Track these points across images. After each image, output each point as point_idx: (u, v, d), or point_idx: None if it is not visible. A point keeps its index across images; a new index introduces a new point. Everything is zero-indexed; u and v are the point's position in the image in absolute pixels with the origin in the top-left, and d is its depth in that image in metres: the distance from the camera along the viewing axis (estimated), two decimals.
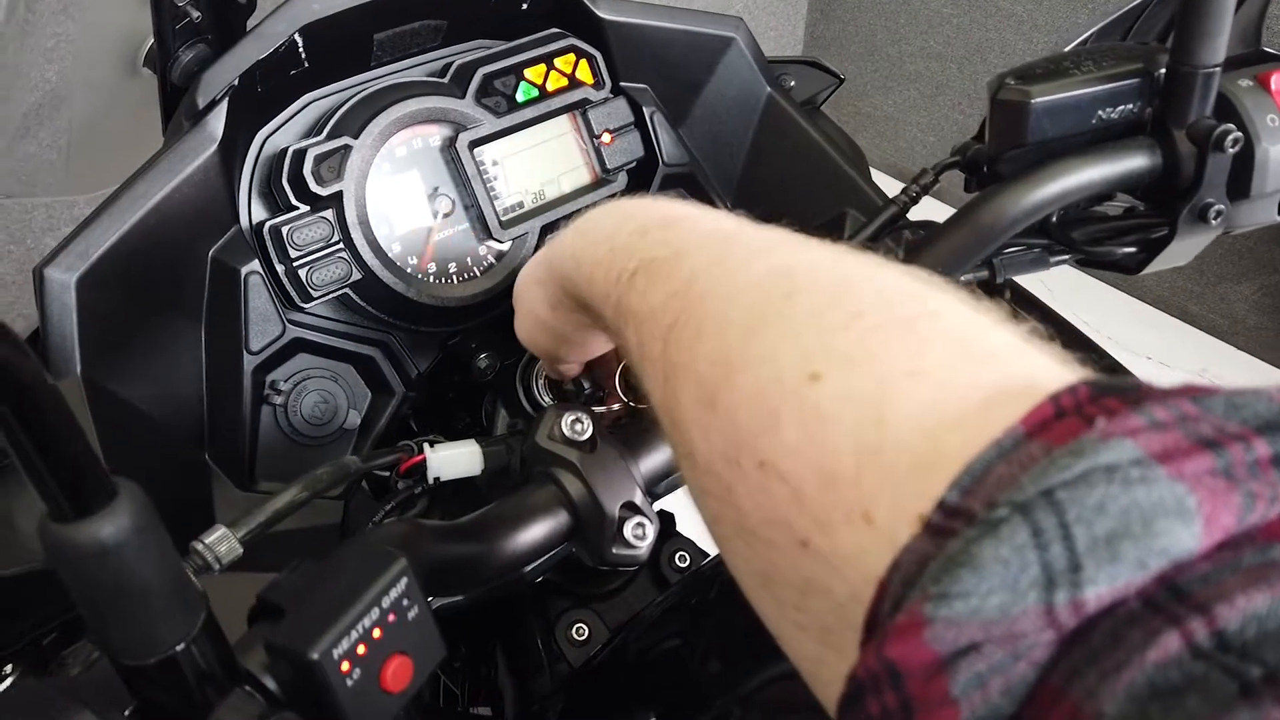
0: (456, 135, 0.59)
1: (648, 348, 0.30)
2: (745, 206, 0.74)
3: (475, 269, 0.61)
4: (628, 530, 0.47)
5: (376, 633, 0.30)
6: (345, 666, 0.28)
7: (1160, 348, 2.41)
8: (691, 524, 0.73)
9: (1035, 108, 0.51)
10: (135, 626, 0.24)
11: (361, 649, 0.29)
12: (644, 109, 0.67)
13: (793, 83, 0.74)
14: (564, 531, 0.47)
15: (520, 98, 0.61)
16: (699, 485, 0.27)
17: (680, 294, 0.29)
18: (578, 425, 0.48)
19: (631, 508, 0.47)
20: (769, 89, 0.71)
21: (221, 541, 0.36)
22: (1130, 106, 0.52)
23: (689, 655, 0.54)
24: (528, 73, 0.61)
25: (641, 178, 0.68)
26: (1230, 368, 2.35)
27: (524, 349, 0.64)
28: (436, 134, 0.59)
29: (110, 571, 0.23)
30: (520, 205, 0.62)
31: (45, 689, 0.25)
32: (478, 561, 0.44)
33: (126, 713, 0.26)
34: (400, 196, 0.59)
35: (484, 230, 0.61)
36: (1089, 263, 0.59)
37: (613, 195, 0.66)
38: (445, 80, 0.60)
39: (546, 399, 0.63)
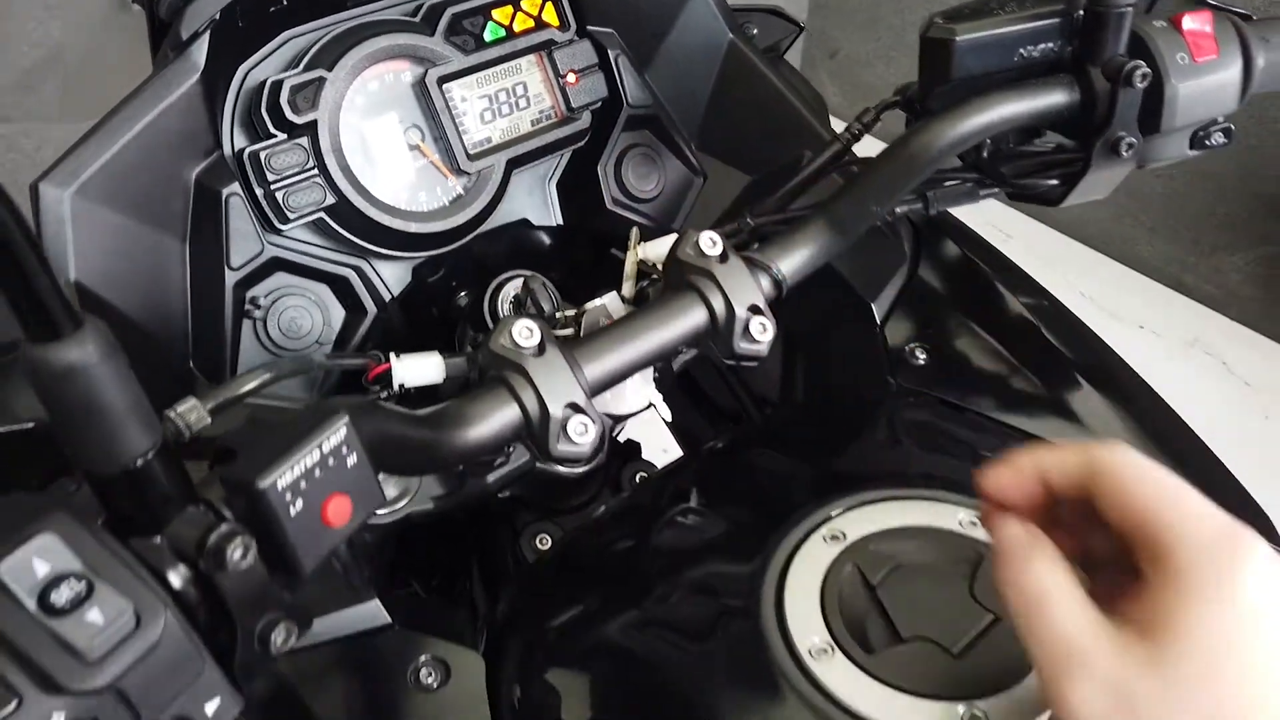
0: (426, 71, 0.63)
1: None
2: (709, 149, 0.78)
3: (444, 199, 0.66)
4: (571, 428, 0.51)
5: (318, 472, 0.34)
6: (288, 498, 0.33)
7: (1153, 317, 2.44)
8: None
9: (960, 45, 0.55)
10: (101, 439, 0.28)
11: (303, 485, 0.33)
12: (609, 52, 0.71)
13: (755, 30, 0.78)
14: (513, 427, 0.51)
15: (488, 37, 0.65)
16: None
17: None
18: (526, 332, 0.52)
19: (575, 408, 0.52)
20: (731, 35, 0.74)
21: (191, 411, 0.40)
22: (1051, 45, 0.56)
23: (635, 554, 0.59)
24: (495, 13, 0.65)
25: (606, 118, 0.72)
26: (1222, 338, 2.37)
27: (493, 277, 0.69)
28: (408, 70, 0.64)
29: (78, 388, 0.27)
30: (488, 140, 0.66)
31: (27, 498, 0.29)
32: (431, 446, 0.48)
33: (100, 521, 0.30)
34: (373, 128, 0.63)
35: (452, 163, 0.65)
36: (1017, 196, 0.63)
37: (577, 132, 0.70)
38: (416, 19, 0.64)
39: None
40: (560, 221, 0.74)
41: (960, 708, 0.42)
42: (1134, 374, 0.70)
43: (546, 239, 0.74)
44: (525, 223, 0.72)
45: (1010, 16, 0.55)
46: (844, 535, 0.50)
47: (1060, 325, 0.71)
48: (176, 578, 0.31)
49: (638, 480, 0.75)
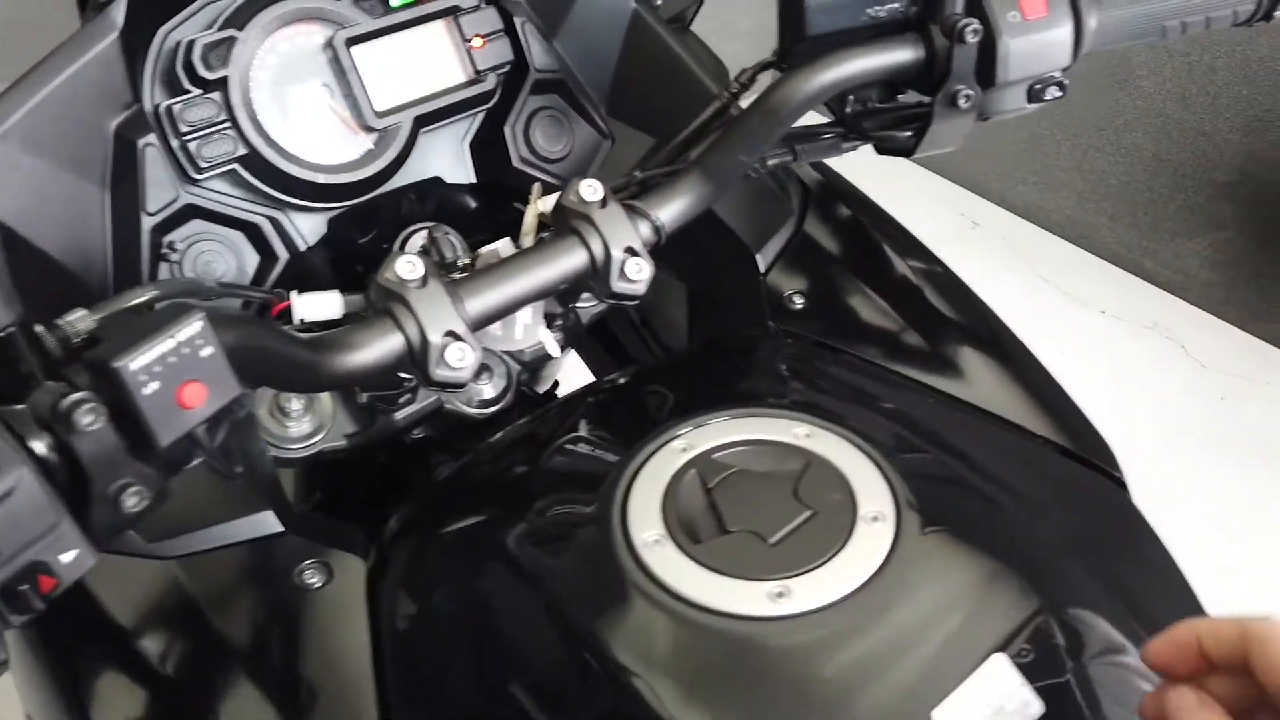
0: (335, 33, 0.68)
1: None
2: (617, 115, 0.83)
3: (354, 153, 0.71)
4: (450, 354, 0.56)
5: (171, 359, 0.39)
6: (142, 378, 0.38)
7: (1114, 301, 2.49)
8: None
9: (811, 5, 0.60)
10: None
11: (158, 368, 0.39)
12: (515, 19, 0.76)
13: (659, 1, 0.83)
14: (396, 354, 0.56)
15: (395, 2, 0.71)
16: None
17: None
18: (410, 266, 0.57)
19: (454, 336, 0.57)
20: (634, 5, 0.79)
21: (81, 320, 0.45)
22: (897, 5, 0.61)
23: (521, 475, 0.64)
24: None
25: (514, 81, 0.77)
26: (1181, 321, 2.42)
27: (400, 229, 0.74)
28: (319, 32, 0.69)
29: None
30: (396, 99, 0.71)
31: None
32: (313, 366, 0.53)
33: None
34: (285, 85, 0.68)
35: (360, 119, 0.70)
36: (880, 149, 0.67)
37: (482, 94, 0.75)
38: None
39: None
40: (473, 179, 0.79)
41: (768, 585, 0.47)
42: (1011, 335, 0.74)
43: (461, 195, 0.79)
44: (439, 180, 0.77)
45: None
46: (692, 447, 0.55)
47: (942, 285, 0.76)
48: (37, 441, 0.36)
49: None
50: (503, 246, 0.68)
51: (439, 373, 0.56)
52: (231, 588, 0.54)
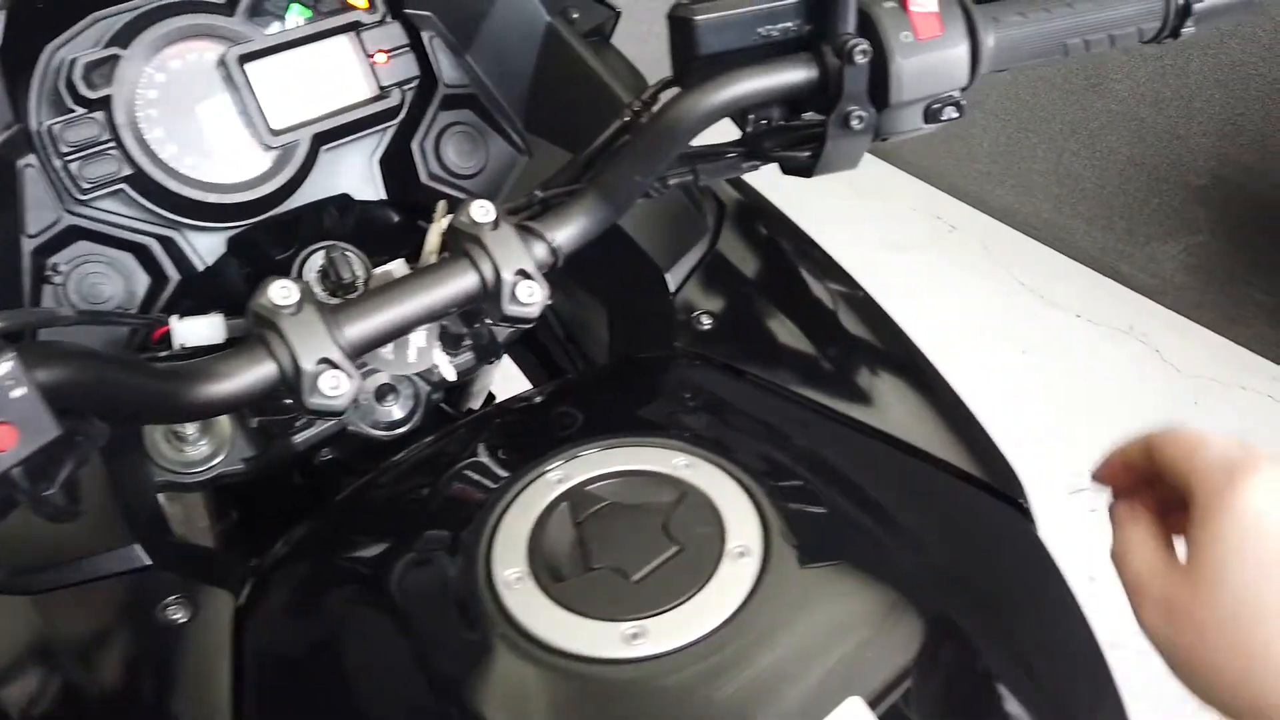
0: (227, 50, 0.67)
1: None
2: (534, 131, 0.82)
3: (250, 173, 0.69)
4: (323, 382, 0.55)
5: None
6: None
7: (1090, 305, 2.48)
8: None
9: (700, 24, 0.59)
10: None
11: None
12: (423, 33, 0.75)
13: (576, 15, 0.81)
14: (268, 382, 0.55)
15: (292, 18, 0.69)
16: None
17: None
18: (283, 291, 0.56)
19: (329, 363, 0.56)
20: (548, 19, 0.78)
21: None
22: (790, 24, 0.60)
23: (408, 501, 0.62)
24: None
25: (423, 96, 0.76)
26: (1157, 325, 2.41)
27: (293, 249, 0.73)
28: (211, 49, 0.67)
29: None
30: (295, 116, 0.70)
31: None
32: (173, 398, 0.52)
33: None
34: (176, 104, 0.66)
35: (257, 138, 0.69)
36: (784, 169, 0.66)
37: (387, 110, 0.74)
38: (221, 1, 0.68)
39: (318, 290, 0.71)
40: (383, 196, 0.77)
41: (624, 626, 0.46)
42: (924, 360, 0.73)
43: (371, 212, 0.78)
44: (347, 197, 0.76)
45: None
46: (568, 478, 0.54)
47: (857, 309, 0.75)
48: None
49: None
50: (396, 267, 0.67)
51: (313, 401, 0.55)
52: (91, 625, 0.53)
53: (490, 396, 1.04)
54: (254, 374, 0.54)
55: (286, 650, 0.52)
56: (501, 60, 0.79)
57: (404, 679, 0.48)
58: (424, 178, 0.76)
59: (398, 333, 0.60)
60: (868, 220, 2.75)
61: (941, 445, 0.65)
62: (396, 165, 0.77)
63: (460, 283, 0.60)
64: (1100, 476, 0.50)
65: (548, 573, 0.49)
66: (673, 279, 0.73)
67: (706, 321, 0.71)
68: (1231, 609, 0.39)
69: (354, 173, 0.76)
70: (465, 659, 0.47)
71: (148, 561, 0.54)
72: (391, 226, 0.79)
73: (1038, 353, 2.38)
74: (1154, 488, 0.46)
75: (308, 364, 0.54)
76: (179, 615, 0.53)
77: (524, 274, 0.60)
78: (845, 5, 0.57)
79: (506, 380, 0.97)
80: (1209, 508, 0.40)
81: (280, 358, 0.54)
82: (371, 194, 0.77)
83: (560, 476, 0.54)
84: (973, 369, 2.34)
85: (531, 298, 0.60)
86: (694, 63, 0.60)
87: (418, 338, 0.66)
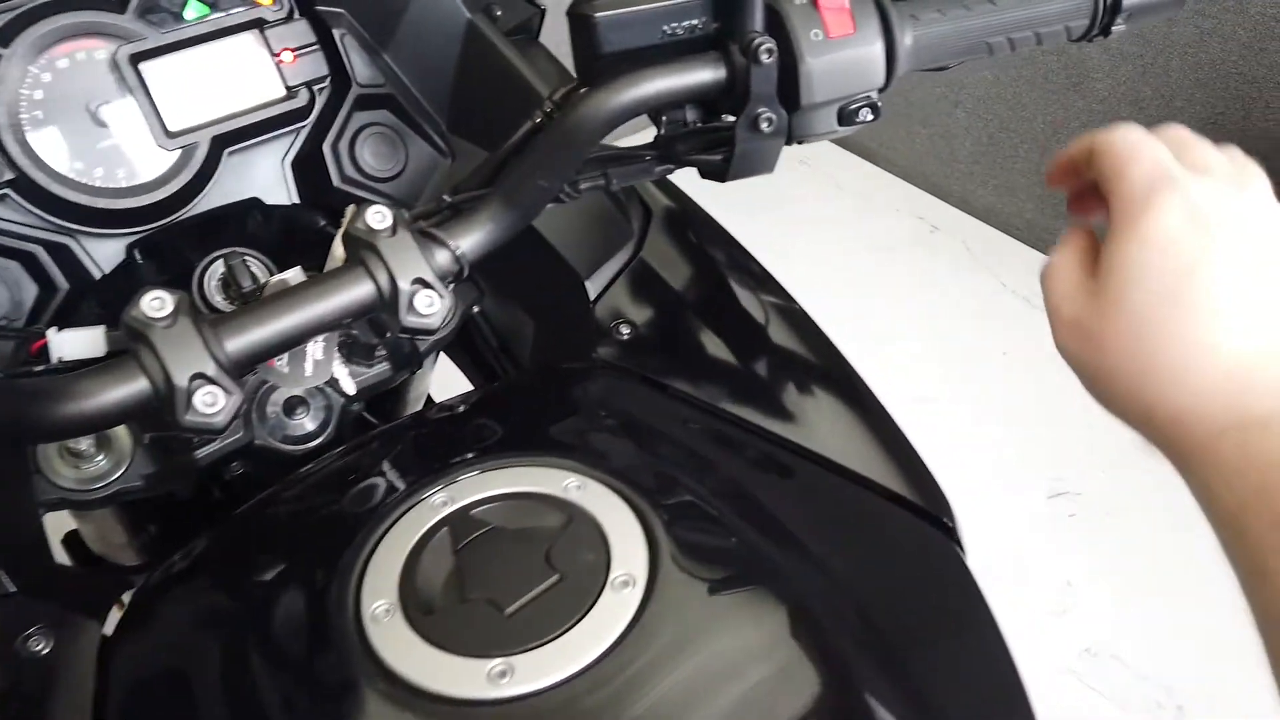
0: (118, 49, 0.64)
1: None
2: (458, 132, 0.79)
3: (144, 176, 0.66)
4: (198, 399, 0.52)
5: None
6: None
7: None
8: None
9: (600, 21, 0.56)
10: None
11: None
12: (334, 30, 0.72)
13: (499, 11, 0.78)
14: (141, 399, 0.52)
15: (189, 14, 0.66)
16: None
17: None
18: (157, 303, 0.53)
19: (204, 378, 0.53)
20: (469, 15, 0.75)
21: None
22: (695, 22, 0.57)
23: (295, 529, 0.60)
24: None
25: (336, 96, 0.73)
26: None
27: (205, 256, 0.70)
28: (102, 48, 0.64)
29: None
30: (194, 117, 0.67)
31: None
32: (32, 418, 0.49)
33: None
34: (64, 104, 0.64)
35: (153, 140, 0.66)
36: (701, 173, 0.63)
37: (295, 111, 0.71)
38: None
39: (218, 299, 0.68)
40: (296, 200, 0.74)
41: (492, 663, 0.43)
42: (853, 374, 0.70)
43: (285, 218, 0.75)
44: (257, 201, 0.73)
45: None
46: (452, 501, 0.51)
47: (785, 320, 0.72)
48: None
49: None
50: (293, 275, 0.64)
51: (188, 419, 0.52)
52: None
53: (429, 401, 1.01)
54: (122, 390, 0.51)
55: (148, 686, 0.49)
56: (421, 59, 0.76)
57: (261, 718, 0.45)
58: (337, 181, 0.73)
59: (287, 345, 0.57)
60: (849, 220, 2.72)
61: (866, 462, 0.62)
62: (309, 168, 0.74)
63: (354, 292, 0.57)
64: (1050, 178, 0.50)
65: (418, 605, 0.46)
66: (593, 286, 0.70)
67: (626, 331, 0.68)
68: (1131, 327, 0.40)
69: (264, 176, 0.73)
70: (324, 698, 0.44)
71: (11, 589, 0.52)
72: (309, 232, 0.76)
73: (1019, 354, 2.35)
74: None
75: (180, 379, 0.51)
76: (41, 646, 0.50)
77: (423, 283, 0.58)
78: (751, 2, 0.54)
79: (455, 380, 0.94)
80: (1122, 227, 0.40)
81: (151, 373, 0.51)
82: (283, 198, 0.74)
83: (444, 499, 0.51)
84: (953, 371, 2.32)
85: (431, 308, 0.58)
86: (597, 62, 0.57)
87: (315, 349, 0.63)
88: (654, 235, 0.74)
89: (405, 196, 0.77)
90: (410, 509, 0.51)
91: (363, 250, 0.58)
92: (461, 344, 0.90)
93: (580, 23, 0.56)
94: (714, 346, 0.69)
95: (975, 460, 2.08)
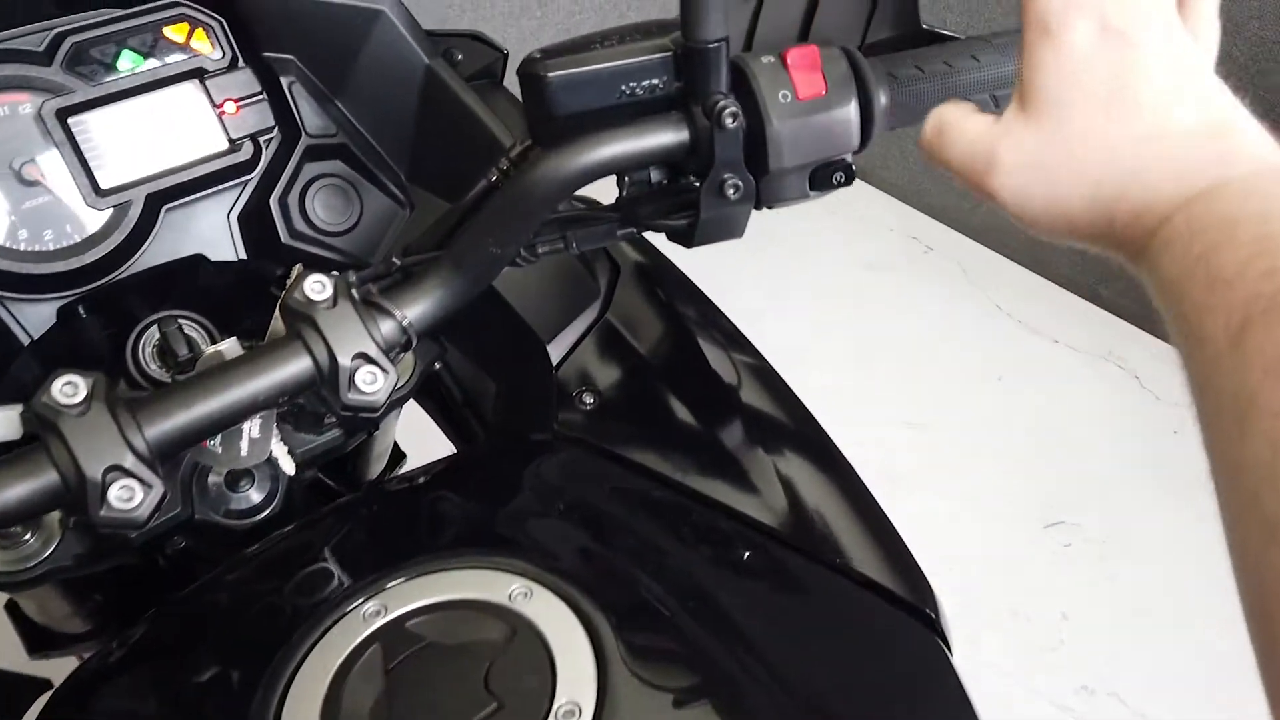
0: (44, 103, 0.60)
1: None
2: (418, 181, 0.75)
3: (74, 236, 0.62)
4: (113, 494, 0.48)
5: None
6: None
7: (1068, 331, 2.41)
8: None
9: (552, 82, 0.52)
10: None
11: None
12: (282, 78, 0.68)
13: (460, 56, 0.74)
14: (50, 492, 0.48)
15: (125, 66, 0.62)
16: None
17: None
18: (68, 388, 0.49)
19: (119, 470, 0.49)
20: (427, 61, 0.71)
21: None
22: (656, 81, 0.53)
23: (220, 629, 0.55)
24: (131, 41, 0.62)
25: (283, 147, 0.69)
26: (1137, 350, 2.34)
27: (139, 320, 0.65)
28: (27, 102, 0.60)
29: None
30: (129, 173, 0.63)
31: None
32: None
33: None
34: None
35: (81, 199, 0.62)
36: (670, 237, 0.59)
37: (239, 164, 0.67)
38: (41, 49, 0.61)
39: (153, 368, 0.64)
40: (243, 257, 0.70)
41: None
42: (832, 448, 0.65)
43: (227, 276, 0.71)
44: (202, 259, 0.69)
45: (609, 52, 0.52)
46: (386, 609, 0.47)
47: (761, 388, 0.67)
48: None
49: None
50: (228, 348, 0.60)
51: (103, 515, 0.48)
52: None
53: (395, 451, 0.97)
54: (30, 485, 0.48)
55: None
56: (377, 106, 0.72)
57: None
58: (284, 237, 0.69)
59: (216, 427, 0.53)
60: (844, 240, 2.68)
61: (842, 544, 0.58)
62: (257, 223, 0.70)
63: (290, 369, 0.53)
64: None
65: None
66: (556, 350, 0.66)
67: (589, 400, 0.64)
68: (1077, 144, 0.40)
69: (209, 232, 0.69)
70: None
71: None
72: (260, 291, 0.72)
73: (1014, 378, 2.31)
74: None
75: (93, 473, 0.47)
76: None
77: (365, 358, 0.54)
78: (715, 61, 0.50)
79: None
80: (1036, 48, 0.40)
81: (61, 466, 0.48)
82: (230, 254, 0.70)
83: (378, 607, 0.47)
84: (947, 395, 2.28)
85: (374, 385, 0.54)
86: (550, 124, 0.53)
87: (251, 427, 0.59)
88: (622, 293, 0.70)
89: (361, 250, 0.73)
90: (344, 616, 0.47)
91: (300, 323, 0.54)
92: (429, 393, 0.86)
93: (531, 83, 0.52)
94: (681, 414, 0.64)
95: (968, 488, 2.03)
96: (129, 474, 0.48)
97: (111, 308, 0.66)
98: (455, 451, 0.77)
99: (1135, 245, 0.39)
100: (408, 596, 0.47)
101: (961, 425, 2.20)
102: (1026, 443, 2.13)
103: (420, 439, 0.92)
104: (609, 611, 0.46)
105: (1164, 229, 0.36)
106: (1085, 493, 2.03)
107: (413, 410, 0.85)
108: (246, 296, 0.72)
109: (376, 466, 0.92)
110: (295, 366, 0.53)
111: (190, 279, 0.70)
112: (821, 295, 2.49)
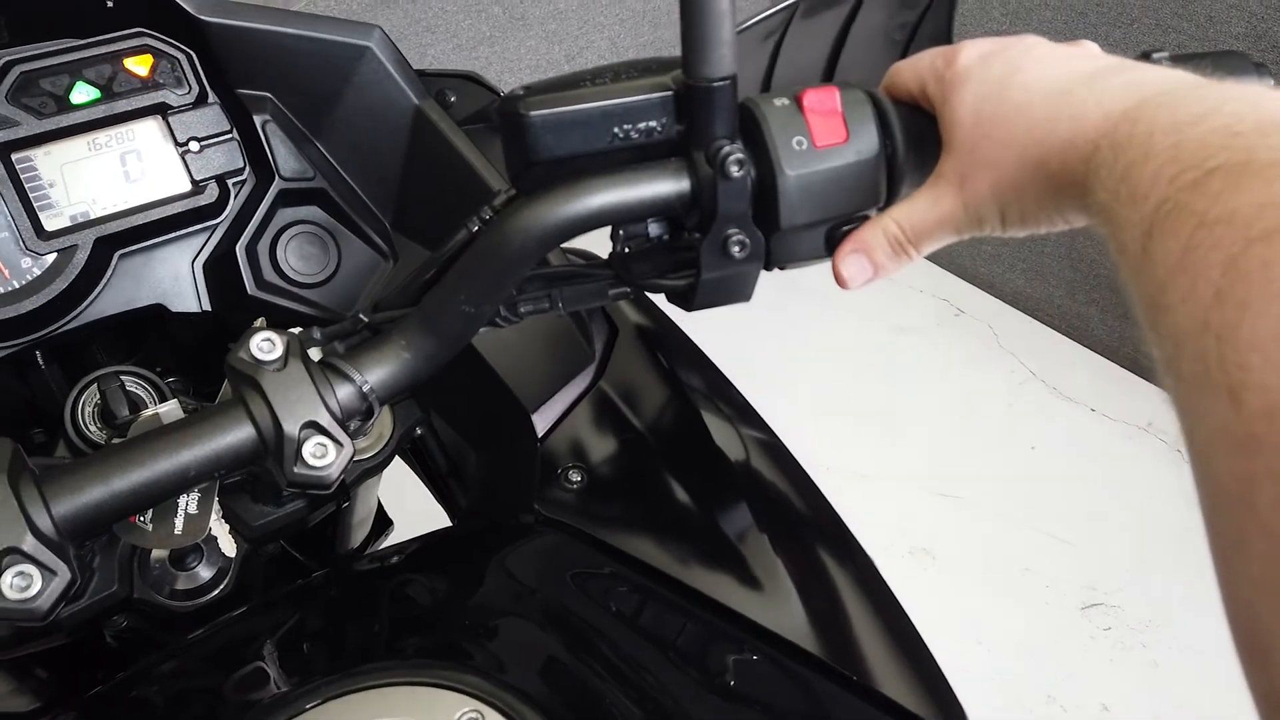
0: None
1: (1203, 255, 0.28)
2: (405, 226, 0.69)
3: (13, 283, 0.57)
4: (6, 581, 0.42)
5: None
6: None
7: (1106, 400, 2.31)
8: None
9: (534, 122, 0.45)
10: None
11: None
12: (255, 116, 0.62)
13: (453, 98, 0.69)
14: None
15: (80, 99, 0.57)
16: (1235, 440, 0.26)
17: None
18: None
19: (18, 554, 0.42)
20: (416, 102, 0.65)
21: None
22: (653, 124, 0.46)
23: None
24: (87, 73, 0.57)
25: (255, 191, 0.63)
26: (1177, 424, 2.23)
27: (82, 377, 0.59)
28: None
29: None
30: (79, 215, 0.57)
31: None
32: None
33: None
34: None
35: (21, 242, 0.56)
36: (670, 299, 0.52)
37: (202, 208, 0.61)
38: None
39: (93, 430, 0.58)
40: (207, 308, 0.64)
41: None
42: (849, 538, 0.57)
43: (196, 330, 0.65)
44: (161, 309, 0.63)
45: (599, 90, 0.46)
46: None
47: (770, 467, 0.60)
48: None
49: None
50: (167, 411, 0.53)
51: (4, 608, 0.42)
52: None
53: (383, 518, 0.90)
54: None
55: None
56: (361, 149, 0.67)
57: None
58: (251, 288, 0.63)
59: (142, 502, 0.46)
60: (872, 300, 2.61)
61: (864, 660, 0.50)
62: (224, 272, 0.64)
63: (229, 438, 0.46)
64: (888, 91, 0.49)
65: None
66: (541, 421, 0.59)
67: (577, 478, 0.57)
68: (997, 137, 0.42)
69: (169, 281, 0.63)
70: None
71: None
72: (218, 343, 0.66)
73: (1047, 450, 2.21)
74: None
75: None
76: None
77: (316, 427, 0.47)
78: (721, 101, 0.44)
79: None
80: (949, 93, 0.44)
81: None
82: (193, 305, 0.64)
83: None
84: (978, 465, 2.18)
85: (324, 459, 0.47)
86: (532, 169, 0.47)
87: (189, 501, 0.52)
88: (618, 358, 0.63)
89: (338, 303, 0.67)
90: None
91: (244, 387, 0.47)
92: (417, 456, 0.79)
93: (512, 123, 0.46)
94: (680, 497, 0.57)
95: (1001, 563, 1.93)
96: (28, 558, 0.42)
97: (57, 362, 0.60)
98: (441, 527, 0.70)
99: (1078, 186, 0.39)
100: (346, 714, 0.40)
101: (993, 496, 2.10)
102: (1061, 516, 2.02)
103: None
104: None
105: (1095, 158, 0.38)
106: (1125, 572, 1.92)
107: None
108: (210, 348, 0.66)
109: (358, 535, 0.85)
110: (235, 435, 0.46)
111: (157, 332, 0.64)
112: (845, 358, 2.40)
